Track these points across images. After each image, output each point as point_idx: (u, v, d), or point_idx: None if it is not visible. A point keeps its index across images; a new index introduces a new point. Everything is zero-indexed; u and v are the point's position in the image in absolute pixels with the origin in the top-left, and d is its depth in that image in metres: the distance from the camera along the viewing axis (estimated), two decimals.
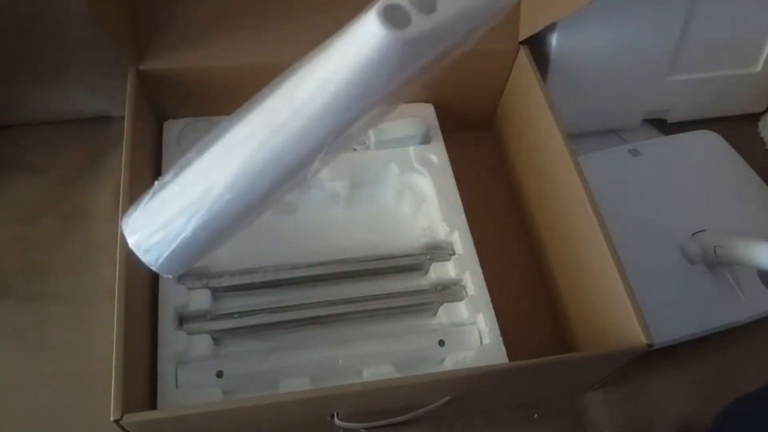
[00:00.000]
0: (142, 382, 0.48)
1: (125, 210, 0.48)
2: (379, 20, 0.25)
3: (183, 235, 0.27)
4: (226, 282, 0.54)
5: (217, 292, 0.54)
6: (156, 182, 0.27)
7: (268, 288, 0.56)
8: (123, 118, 0.54)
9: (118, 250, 0.46)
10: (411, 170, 0.62)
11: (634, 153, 0.70)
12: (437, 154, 0.63)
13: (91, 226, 0.63)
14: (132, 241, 0.28)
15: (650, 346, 0.46)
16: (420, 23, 0.26)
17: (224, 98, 0.62)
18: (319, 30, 0.61)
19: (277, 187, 0.27)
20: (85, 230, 0.62)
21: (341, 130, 0.27)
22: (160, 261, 0.28)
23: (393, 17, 0.25)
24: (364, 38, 0.26)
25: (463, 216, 0.59)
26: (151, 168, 0.59)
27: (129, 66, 0.57)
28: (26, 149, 0.67)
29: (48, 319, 0.57)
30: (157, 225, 0.27)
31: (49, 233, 0.62)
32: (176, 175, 0.27)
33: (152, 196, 0.28)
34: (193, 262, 0.27)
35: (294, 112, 0.26)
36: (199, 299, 0.53)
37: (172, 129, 0.62)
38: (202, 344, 0.51)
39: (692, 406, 0.59)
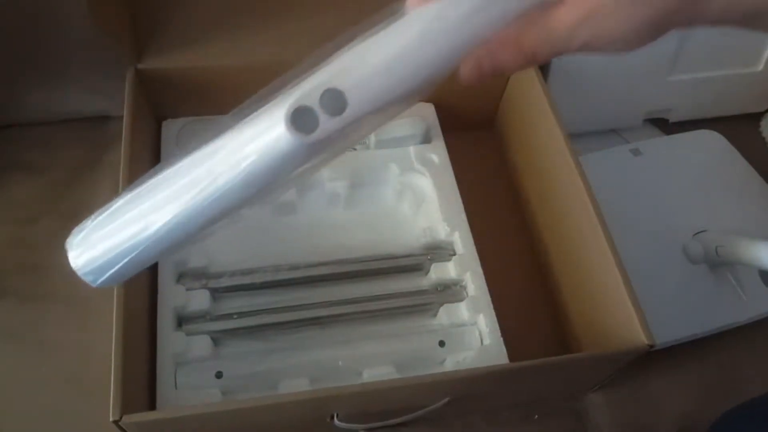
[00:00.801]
0: (142, 383, 0.48)
1: None
2: (286, 125, 0.27)
3: (120, 264, 0.31)
4: (226, 282, 0.54)
5: (216, 293, 0.54)
6: (95, 213, 0.31)
7: (268, 288, 0.56)
8: (122, 117, 0.54)
9: None
10: (411, 170, 0.62)
11: (635, 153, 0.70)
12: (437, 153, 0.62)
13: None
14: (75, 264, 0.31)
15: (651, 346, 0.46)
16: (328, 125, 0.27)
17: (224, 98, 0.62)
18: (319, 30, 0.61)
19: (209, 227, 0.31)
20: None
21: (259, 197, 0.30)
22: (98, 282, 0.32)
23: (301, 119, 0.27)
24: (271, 137, 0.27)
25: (463, 216, 0.59)
26: (150, 167, 0.59)
27: (128, 66, 0.57)
28: (26, 149, 0.67)
29: (48, 319, 0.57)
30: (99, 252, 0.31)
31: (49, 233, 0.62)
32: (118, 209, 0.31)
33: (96, 224, 0.31)
34: (130, 276, 0.32)
35: (213, 180, 0.29)
36: (199, 300, 0.53)
37: (171, 128, 0.62)
38: (201, 345, 0.51)
39: (693, 407, 0.58)
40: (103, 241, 0.30)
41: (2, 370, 0.55)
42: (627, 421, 0.58)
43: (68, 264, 0.32)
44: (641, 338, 0.46)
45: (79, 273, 0.31)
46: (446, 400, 0.48)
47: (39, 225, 0.62)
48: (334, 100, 0.27)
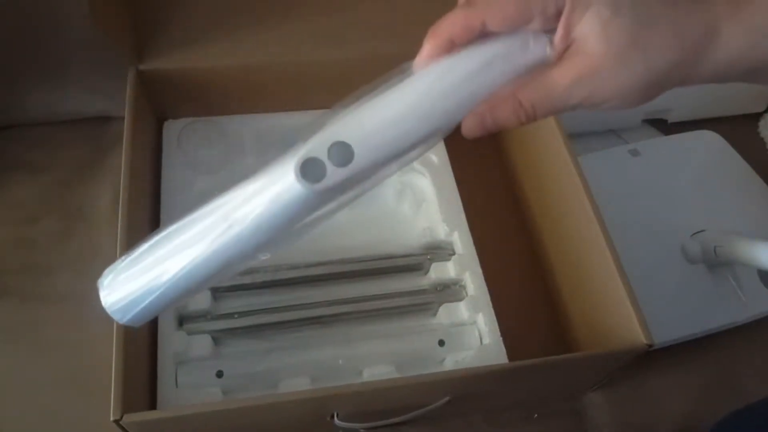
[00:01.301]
0: (142, 382, 0.48)
1: (125, 211, 0.48)
2: (296, 175, 0.29)
3: (143, 305, 0.33)
4: (226, 282, 0.54)
5: (217, 292, 0.54)
6: (124, 255, 0.34)
7: (268, 288, 0.56)
8: (123, 118, 0.54)
9: (117, 251, 0.46)
10: (411, 170, 0.62)
11: (634, 153, 0.70)
12: (437, 154, 0.63)
13: (91, 226, 0.63)
14: (105, 302, 0.34)
15: (650, 346, 0.46)
16: (335, 176, 0.29)
17: (224, 98, 0.62)
18: (319, 31, 0.61)
19: (225, 272, 0.33)
20: (85, 230, 0.62)
21: (273, 244, 0.32)
22: (125, 320, 0.34)
23: (310, 170, 0.29)
24: (282, 186, 0.30)
25: (463, 216, 0.59)
26: (151, 168, 0.59)
27: (129, 66, 0.57)
28: (26, 149, 0.67)
29: (48, 319, 0.57)
30: (124, 293, 0.33)
31: (49, 233, 0.62)
32: (142, 253, 0.33)
33: (123, 266, 0.33)
34: (155, 315, 0.34)
35: (228, 227, 0.31)
36: (199, 299, 0.53)
37: (172, 129, 0.62)
38: (202, 344, 0.51)
39: (692, 406, 0.59)
40: (128, 282, 0.33)
41: (2, 369, 0.55)
42: (627, 421, 0.58)
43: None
44: (640, 338, 0.47)
45: (109, 311, 0.33)
46: (446, 399, 0.48)
47: (39, 225, 0.62)
48: (342, 152, 0.29)
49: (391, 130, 0.30)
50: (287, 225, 0.31)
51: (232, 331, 0.53)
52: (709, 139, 0.72)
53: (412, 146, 0.31)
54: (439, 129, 0.31)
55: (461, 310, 0.55)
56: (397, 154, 0.30)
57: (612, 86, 0.30)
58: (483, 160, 0.71)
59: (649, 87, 0.31)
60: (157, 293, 0.32)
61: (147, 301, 0.32)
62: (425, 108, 0.30)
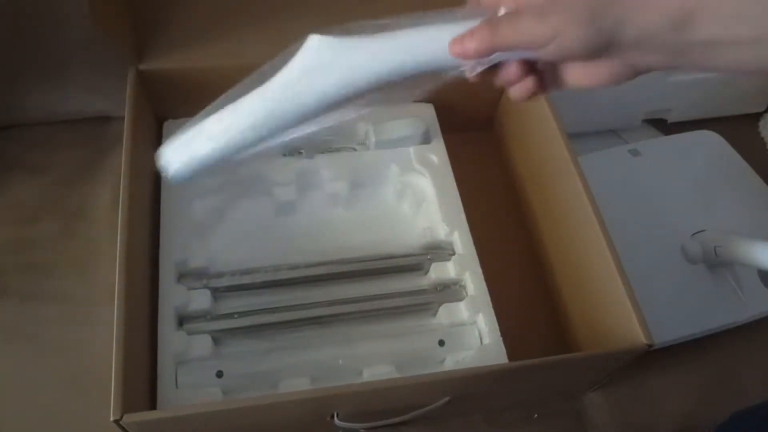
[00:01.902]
0: (142, 382, 0.48)
1: (125, 211, 0.48)
2: (318, 33, 0.36)
3: (187, 155, 0.39)
4: (226, 282, 0.54)
5: (217, 292, 0.54)
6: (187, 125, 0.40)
7: (268, 288, 0.56)
8: (123, 118, 0.54)
9: (117, 251, 0.46)
10: (411, 170, 0.62)
11: (634, 153, 0.70)
12: (437, 154, 0.63)
13: (91, 226, 0.63)
14: (161, 162, 0.39)
15: (650, 346, 0.46)
16: (348, 40, 0.36)
17: None
18: (319, 31, 0.61)
19: (274, 137, 0.38)
20: (85, 230, 0.62)
21: (307, 115, 0.37)
22: (172, 172, 0.39)
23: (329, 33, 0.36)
24: (306, 47, 0.37)
25: (463, 216, 0.59)
26: (151, 168, 0.59)
27: (129, 66, 0.57)
28: (26, 149, 0.67)
29: (47, 319, 0.57)
30: (172, 148, 0.39)
31: (49, 233, 0.62)
32: (200, 119, 0.40)
33: (185, 131, 0.39)
34: (202, 168, 0.39)
35: (265, 88, 0.38)
36: (199, 299, 0.53)
37: (172, 129, 0.62)
38: (202, 344, 0.51)
39: (692, 407, 0.59)
40: (176, 140, 0.39)
41: (2, 369, 0.55)
42: (627, 421, 0.58)
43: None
44: (640, 338, 0.47)
45: (164, 171, 0.39)
46: (446, 399, 0.48)
47: (39, 225, 0.63)
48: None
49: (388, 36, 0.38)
50: (318, 83, 0.36)
51: (232, 331, 0.53)
52: (709, 139, 0.72)
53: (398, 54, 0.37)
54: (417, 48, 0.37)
55: (461, 310, 0.55)
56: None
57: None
58: (483, 160, 0.71)
59: (623, 71, 0.34)
60: (193, 146, 0.38)
61: (196, 152, 0.38)
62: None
